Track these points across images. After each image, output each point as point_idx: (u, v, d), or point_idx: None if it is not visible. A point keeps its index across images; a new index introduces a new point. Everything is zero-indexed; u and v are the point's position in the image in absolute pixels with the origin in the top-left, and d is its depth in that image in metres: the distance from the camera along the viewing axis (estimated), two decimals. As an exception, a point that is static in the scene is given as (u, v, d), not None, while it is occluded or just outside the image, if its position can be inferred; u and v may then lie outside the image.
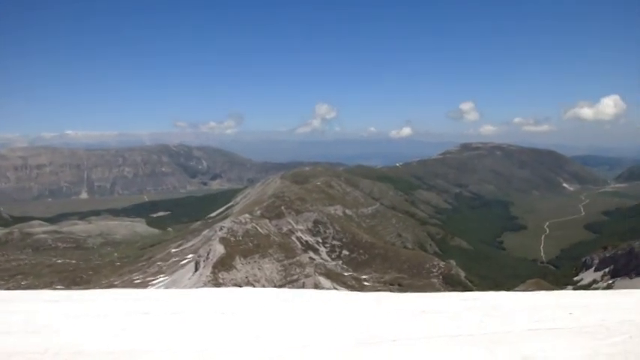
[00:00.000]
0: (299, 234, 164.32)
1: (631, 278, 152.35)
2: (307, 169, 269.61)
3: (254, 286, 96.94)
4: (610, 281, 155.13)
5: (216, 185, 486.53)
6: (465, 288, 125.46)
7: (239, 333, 8.36)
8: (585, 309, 12.12)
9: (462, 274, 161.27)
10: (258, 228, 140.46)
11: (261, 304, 11.58)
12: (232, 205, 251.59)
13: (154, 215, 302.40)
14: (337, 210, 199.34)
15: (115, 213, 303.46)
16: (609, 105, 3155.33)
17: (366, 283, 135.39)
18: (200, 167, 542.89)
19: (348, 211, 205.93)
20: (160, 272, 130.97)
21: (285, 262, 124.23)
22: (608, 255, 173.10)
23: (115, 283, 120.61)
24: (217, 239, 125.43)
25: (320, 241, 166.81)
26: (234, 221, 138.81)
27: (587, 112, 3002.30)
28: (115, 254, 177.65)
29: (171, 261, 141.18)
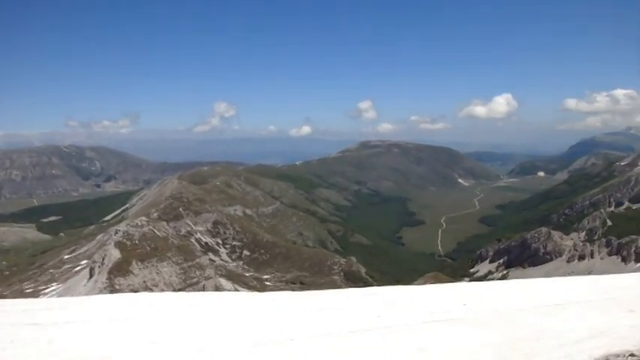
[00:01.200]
0: (198, 235, 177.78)
1: (524, 268, 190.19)
2: (206, 168, 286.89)
3: (152, 291, 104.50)
4: (505, 272, 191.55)
5: (110, 187, 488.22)
6: (365, 284, 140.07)
7: (134, 340, 9.32)
8: (479, 300, 15.82)
9: (363, 270, 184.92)
10: (156, 231, 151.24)
11: (157, 309, 12.94)
12: (128, 208, 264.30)
13: (45, 220, 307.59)
14: (237, 210, 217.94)
15: (3, 218, 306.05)
16: (501, 103, 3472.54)
17: (267, 283, 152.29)
18: (93, 169, 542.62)
19: (248, 211, 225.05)
20: (52, 280, 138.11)
21: (185, 264, 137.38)
22: (502, 247, 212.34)
23: (5, 293, 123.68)
24: (113, 244, 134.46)
25: (220, 242, 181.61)
26: (130, 224, 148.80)
27: (480, 110, 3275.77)
28: (4, 263, 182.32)
29: (64, 268, 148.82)
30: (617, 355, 8.96)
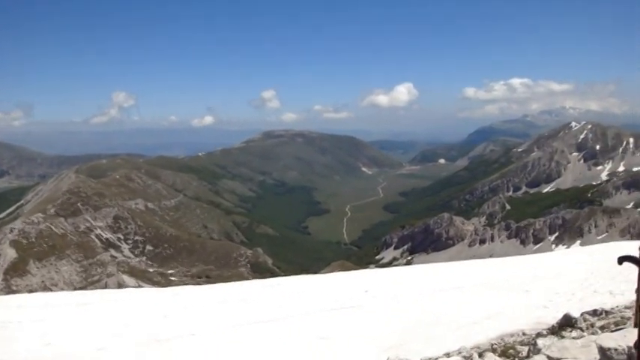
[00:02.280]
0: (98, 231, 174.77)
1: (428, 253, 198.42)
2: (105, 161, 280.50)
3: (51, 291, 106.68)
4: (409, 257, 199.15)
5: (3, 183, 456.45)
6: (273, 274, 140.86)
7: (27, 342, 9.12)
8: (381, 286, 16.96)
9: (270, 261, 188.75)
10: (53, 228, 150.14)
11: (53, 309, 12.72)
12: (23, 205, 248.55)
13: None
14: (139, 204, 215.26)
15: None
16: (403, 92, 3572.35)
17: (172, 278, 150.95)
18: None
19: (150, 205, 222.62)
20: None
21: (85, 262, 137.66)
22: (406, 233, 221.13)
23: None
24: (7, 243, 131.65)
25: (122, 237, 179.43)
26: (25, 222, 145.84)
27: (382, 99, 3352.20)
28: None
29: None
30: (512, 335, 9.46)
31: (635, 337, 3.99)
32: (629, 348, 4.39)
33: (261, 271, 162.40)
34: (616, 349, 4.59)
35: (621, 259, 3.82)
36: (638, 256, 3.79)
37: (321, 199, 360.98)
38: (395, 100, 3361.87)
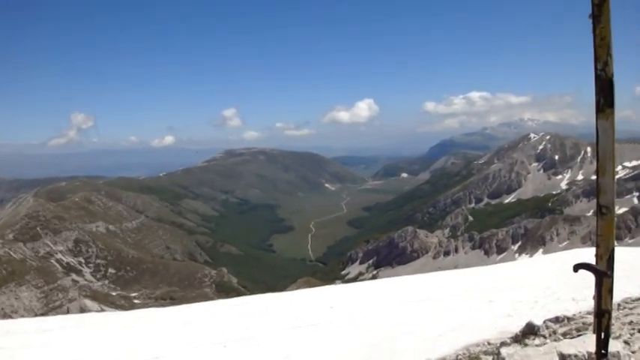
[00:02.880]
0: (59, 256, 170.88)
1: (393, 267, 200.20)
2: (64, 184, 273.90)
3: (12, 318, 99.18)
4: (375, 272, 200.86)
5: None
6: (238, 294, 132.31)
7: None
8: (345, 302, 17.34)
9: (235, 280, 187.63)
10: (12, 253, 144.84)
11: (14, 336, 12.70)
12: None
13: None
14: (99, 226, 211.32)
15: None
16: (364, 108, 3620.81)
17: (136, 301, 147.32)
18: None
19: (111, 227, 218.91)
20: None
21: (46, 287, 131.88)
22: (370, 247, 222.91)
23: None
24: None
25: (83, 261, 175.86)
26: None
27: (343, 115, 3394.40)
28: None
29: None
30: (477, 345, 9.48)
31: (594, 343, 4.10)
32: (589, 354, 4.48)
33: (226, 291, 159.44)
34: (576, 356, 4.68)
35: (577, 267, 3.93)
36: (594, 263, 3.92)
37: (285, 217, 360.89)
38: (356, 116, 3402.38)
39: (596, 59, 3.76)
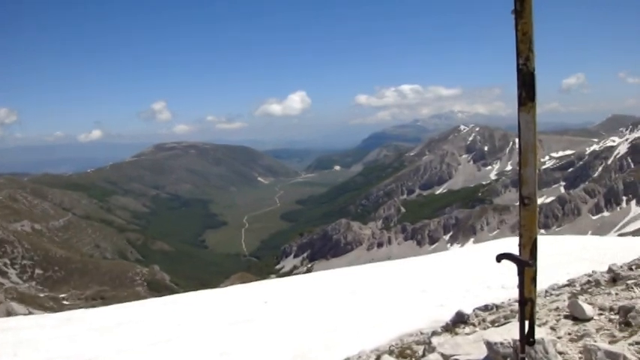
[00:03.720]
0: None
1: (327, 259, 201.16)
2: None
3: None
4: (309, 265, 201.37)
5: None
6: (171, 292, 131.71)
7: None
8: (279, 296, 17.44)
9: (167, 277, 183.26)
10: None
11: None
12: None
13: None
14: (25, 226, 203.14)
15: None
16: (296, 101, 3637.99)
17: (65, 302, 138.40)
18: None
19: (37, 226, 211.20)
20: None
21: None
22: (305, 241, 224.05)
23: None
24: None
25: (8, 262, 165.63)
26: None
27: (276, 108, 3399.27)
28: None
29: None
30: (410, 335, 9.72)
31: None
32: (514, 341, 4.62)
33: (158, 289, 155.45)
34: (502, 343, 4.83)
35: (499, 257, 4.04)
36: (516, 253, 4.05)
37: (218, 212, 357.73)
38: (288, 108, 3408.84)
39: (519, 54, 3.79)
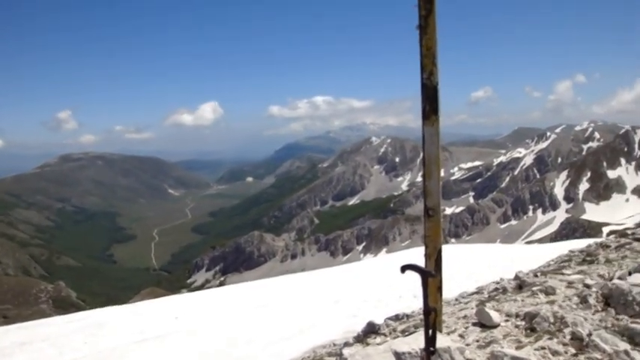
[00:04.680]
0: None
1: (240, 272, 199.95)
2: None
3: None
4: (222, 278, 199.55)
5: None
6: (78, 309, 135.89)
7: None
8: (190, 311, 17.59)
9: (74, 294, 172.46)
10: None
11: None
12: None
13: None
14: None
15: None
16: (208, 111, 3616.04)
17: None
18: None
19: None
20: None
21: None
22: (217, 254, 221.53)
23: None
24: None
25: None
26: None
27: (187, 118, 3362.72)
28: None
29: None
30: (323, 346, 9.77)
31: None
32: (421, 350, 4.72)
33: (64, 307, 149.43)
34: (409, 353, 4.92)
35: (403, 268, 4.10)
36: (419, 263, 4.13)
37: (126, 225, 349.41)
38: (200, 119, 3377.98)
39: (423, 68, 3.88)
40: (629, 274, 8.04)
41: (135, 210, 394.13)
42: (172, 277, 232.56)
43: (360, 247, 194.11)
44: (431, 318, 4.05)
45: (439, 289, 4.13)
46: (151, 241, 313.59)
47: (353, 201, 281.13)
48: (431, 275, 4.01)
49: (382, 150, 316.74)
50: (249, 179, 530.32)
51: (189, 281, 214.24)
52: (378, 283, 21.23)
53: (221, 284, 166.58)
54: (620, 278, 7.71)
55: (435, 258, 4.12)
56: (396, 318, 9.16)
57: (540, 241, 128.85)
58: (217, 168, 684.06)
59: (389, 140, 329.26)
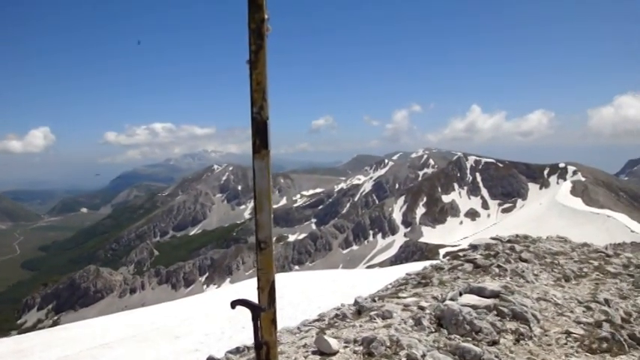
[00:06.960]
0: None
1: (76, 310, 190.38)
2: None
3: None
4: (56, 317, 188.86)
5: None
6: None
7: None
8: (19, 356, 17.38)
9: None
10: None
11: None
12: None
13: None
14: None
15: None
16: (39, 137, 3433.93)
17: None
18: None
19: None
20: None
21: None
22: (49, 291, 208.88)
23: None
24: None
25: None
26: None
27: (16, 144, 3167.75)
28: None
29: None
30: None
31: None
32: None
33: None
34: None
35: (233, 304, 4.12)
36: (254, 299, 4.15)
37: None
38: (30, 145, 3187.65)
39: (253, 103, 3.93)
40: (460, 294, 8.67)
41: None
42: (0, 319, 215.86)
43: (202, 279, 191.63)
44: (262, 352, 4.09)
45: (273, 321, 4.18)
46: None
47: (194, 231, 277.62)
48: (261, 310, 4.05)
49: (224, 178, 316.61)
50: (84, 210, 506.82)
51: (19, 322, 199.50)
52: (220, 315, 21.13)
53: (55, 324, 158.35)
54: (451, 299, 8.30)
55: (268, 291, 4.18)
56: (237, 351, 9.31)
57: (381, 264, 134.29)
58: (49, 198, 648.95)
59: (231, 168, 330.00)
